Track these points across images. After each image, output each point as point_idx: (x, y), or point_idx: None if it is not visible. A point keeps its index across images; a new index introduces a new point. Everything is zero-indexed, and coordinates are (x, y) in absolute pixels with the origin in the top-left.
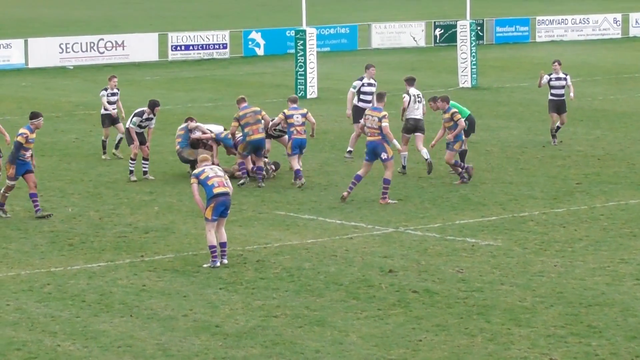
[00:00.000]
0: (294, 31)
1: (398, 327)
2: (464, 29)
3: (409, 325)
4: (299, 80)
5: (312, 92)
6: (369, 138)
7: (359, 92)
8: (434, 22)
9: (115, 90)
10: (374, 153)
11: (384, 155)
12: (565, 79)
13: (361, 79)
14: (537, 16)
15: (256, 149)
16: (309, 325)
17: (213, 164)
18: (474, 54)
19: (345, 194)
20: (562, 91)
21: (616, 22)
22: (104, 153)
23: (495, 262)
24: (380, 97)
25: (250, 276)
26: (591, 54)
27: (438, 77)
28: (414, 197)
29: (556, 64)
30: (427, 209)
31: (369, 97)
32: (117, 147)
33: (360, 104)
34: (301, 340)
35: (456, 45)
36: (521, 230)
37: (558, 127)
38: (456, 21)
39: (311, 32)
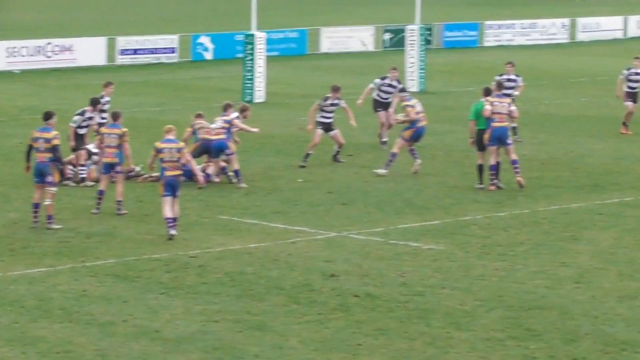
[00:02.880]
0: (243, 35)
1: (338, 332)
2: (412, 34)
3: (349, 330)
4: (246, 85)
5: (259, 96)
6: (496, 124)
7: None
8: (384, 27)
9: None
10: (499, 139)
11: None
12: (516, 80)
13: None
14: (485, 21)
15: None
16: (249, 330)
17: None
18: (422, 58)
19: (492, 187)
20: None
21: (564, 27)
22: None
23: (437, 266)
24: (492, 90)
25: (191, 281)
26: (538, 59)
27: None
28: (357, 201)
29: (509, 65)
30: (371, 213)
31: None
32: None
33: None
34: (241, 345)
35: (404, 50)
36: (464, 234)
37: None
38: (405, 25)
39: (260, 37)
